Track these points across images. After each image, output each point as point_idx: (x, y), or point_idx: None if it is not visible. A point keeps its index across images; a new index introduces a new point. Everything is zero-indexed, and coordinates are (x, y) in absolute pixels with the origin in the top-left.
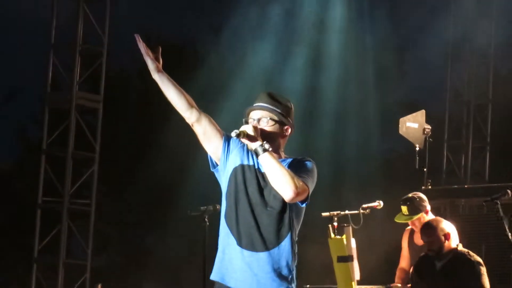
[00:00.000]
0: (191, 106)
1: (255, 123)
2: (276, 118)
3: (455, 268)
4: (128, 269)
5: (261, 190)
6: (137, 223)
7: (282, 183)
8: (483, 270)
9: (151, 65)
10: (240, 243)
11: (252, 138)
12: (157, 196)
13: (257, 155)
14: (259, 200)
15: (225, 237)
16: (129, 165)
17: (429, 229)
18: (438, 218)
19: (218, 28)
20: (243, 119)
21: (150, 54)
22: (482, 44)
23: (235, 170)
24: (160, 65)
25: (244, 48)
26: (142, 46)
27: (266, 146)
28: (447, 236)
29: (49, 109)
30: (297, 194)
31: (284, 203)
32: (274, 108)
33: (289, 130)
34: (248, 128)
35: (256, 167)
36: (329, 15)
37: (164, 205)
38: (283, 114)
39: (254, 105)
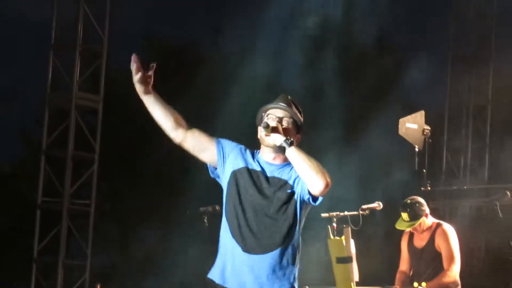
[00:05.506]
0: (177, 127)
1: (277, 120)
2: (296, 121)
3: None
4: (128, 270)
5: (262, 192)
6: (137, 223)
7: (315, 173)
8: None
9: (138, 88)
10: (242, 246)
11: (277, 133)
12: (158, 196)
13: (283, 149)
14: (261, 202)
15: (227, 239)
16: (129, 165)
17: None
18: None
19: (219, 29)
20: (261, 114)
21: (139, 76)
22: (482, 45)
23: (234, 173)
24: (150, 85)
25: (245, 49)
26: (134, 67)
27: (292, 139)
28: None
29: (49, 109)
30: (327, 184)
31: (287, 204)
32: (296, 112)
33: (299, 139)
34: (273, 124)
35: (259, 169)
36: (330, 15)
37: (165, 205)
38: (301, 122)
39: (277, 103)
